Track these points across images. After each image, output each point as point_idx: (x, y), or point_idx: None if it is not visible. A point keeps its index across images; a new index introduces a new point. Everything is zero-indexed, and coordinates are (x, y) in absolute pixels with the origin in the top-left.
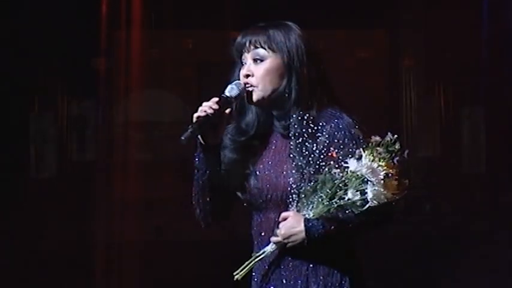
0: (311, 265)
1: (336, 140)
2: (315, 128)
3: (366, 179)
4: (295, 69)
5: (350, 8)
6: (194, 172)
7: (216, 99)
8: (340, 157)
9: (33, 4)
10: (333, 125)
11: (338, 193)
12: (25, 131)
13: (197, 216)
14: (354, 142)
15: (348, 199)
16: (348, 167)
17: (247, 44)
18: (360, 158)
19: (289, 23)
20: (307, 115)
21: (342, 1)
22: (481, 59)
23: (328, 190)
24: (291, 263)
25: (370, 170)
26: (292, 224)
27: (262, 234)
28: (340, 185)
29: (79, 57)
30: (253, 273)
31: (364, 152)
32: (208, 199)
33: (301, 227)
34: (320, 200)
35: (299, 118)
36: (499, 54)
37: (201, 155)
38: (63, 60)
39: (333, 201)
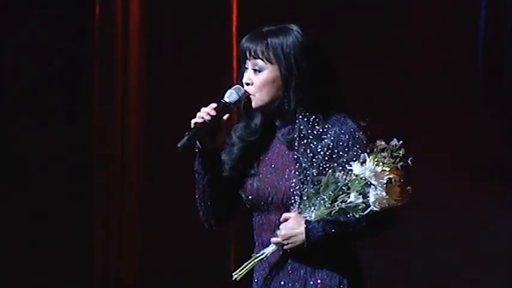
0: (309, 268)
1: (341, 143)
2: (321, 129)
3: (369, 183)
4: (294, 80)
5: None
6: (195, 176)
7: (214, 105)
8: (345, 160)
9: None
10: (338, 128)
11: (340, 196)
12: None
13: (200, 217)
14: (359, 146)
15: (350, 202)
16: (351, 170)
17: (247, 53)
18: (364, 162)
19: (291, 27)
20: (314, 117)
21: None
22: None
23: (330, 192)
24: (289, 266)
25: (374, 173)
26: (292, 226)
27: (263, 235)
28: (343, 187)
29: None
30: (254, 275)
31: (369, 156)
32: (209, 202)
33: (302, 228)
34: (322, 202)
35: (305, 119)
36: None
37: (199, 160)
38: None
39: (335, 203)
